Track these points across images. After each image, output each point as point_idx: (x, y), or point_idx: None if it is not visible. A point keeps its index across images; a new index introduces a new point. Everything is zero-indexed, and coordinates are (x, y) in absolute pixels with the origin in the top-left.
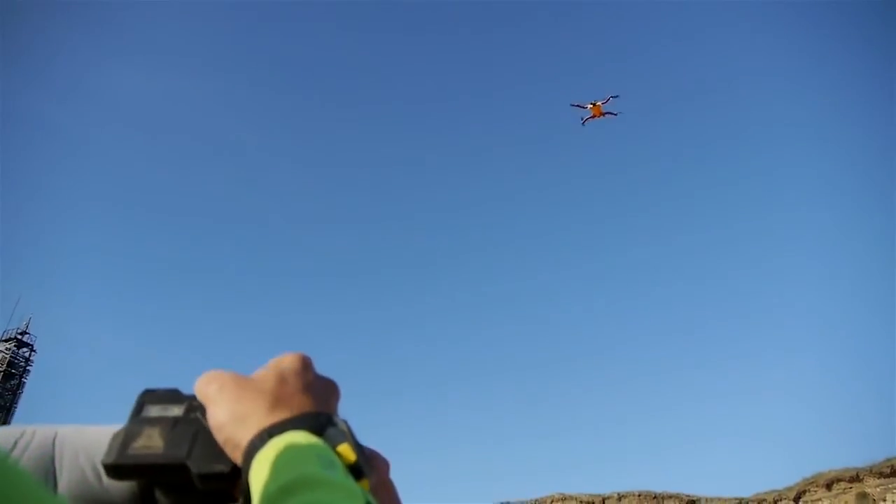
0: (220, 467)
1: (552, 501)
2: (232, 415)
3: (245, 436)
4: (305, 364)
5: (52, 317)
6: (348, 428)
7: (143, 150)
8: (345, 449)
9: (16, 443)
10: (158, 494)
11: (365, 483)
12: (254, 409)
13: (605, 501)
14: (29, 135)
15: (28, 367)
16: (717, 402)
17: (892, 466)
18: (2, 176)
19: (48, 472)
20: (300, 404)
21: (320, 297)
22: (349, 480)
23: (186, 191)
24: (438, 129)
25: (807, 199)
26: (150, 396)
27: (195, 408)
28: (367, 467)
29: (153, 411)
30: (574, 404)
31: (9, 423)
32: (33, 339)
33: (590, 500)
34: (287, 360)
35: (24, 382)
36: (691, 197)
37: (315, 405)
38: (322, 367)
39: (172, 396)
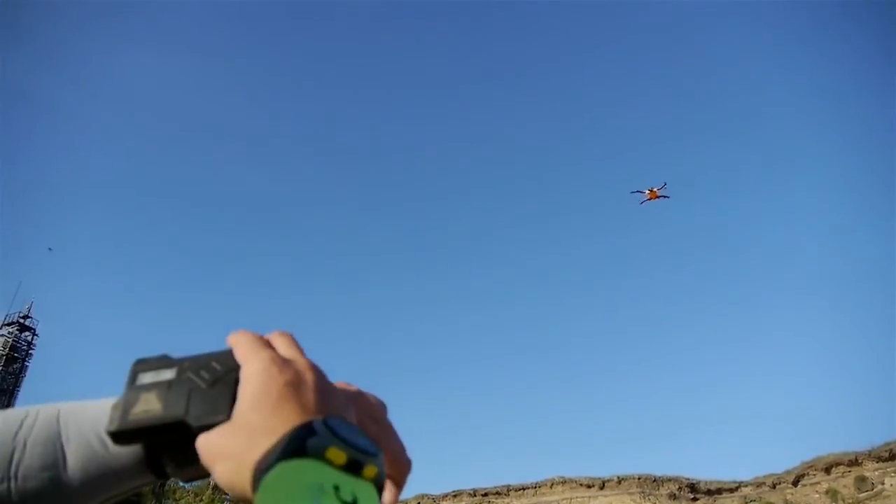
0: (219, 418)
1: (553, 485)
2: (247, 430)
3: (243, 465)
4: (288, 361)
5: (54, 301)
6: (333, 424)
7: (145, 134)
8: (332, 454)
9: (22, 423)
10: (163, 455)
11: (370, 469)
12: (252, 433)
13: (605, 485)
14: (31, 117)
15: (31, 351)
16: (717, 388)
17: (891, 451)
18: (4, 160)
19: (56, 447)
20: (285, 420)
21: (314, 279)
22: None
23: (186, 173)
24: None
25: (811, 188)
26: (141, 365)
27: (186, 369)
28: (368, 451)
29: (147, 378)
30: (575, 389)
31: (12, 406)
32: (35, 322)
33: (590, 483)
34: (269, 361)
35: (27, 366)
36: (696, 186)
37: (299, 414)
38: (321, 356)
39: (163, 362)
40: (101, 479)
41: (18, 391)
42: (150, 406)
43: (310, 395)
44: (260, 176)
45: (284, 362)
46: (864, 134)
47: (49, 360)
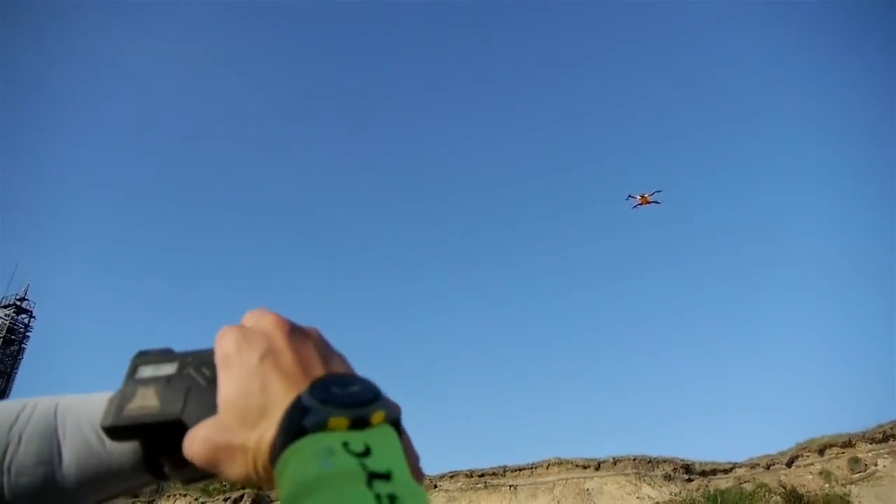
0: None
1: (549, 466)
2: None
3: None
4: (253, 329)
5: (50, 283)
6: (322, 394)
7: (144, 117)
8: (334, 422)
9: (18, 415)
10: (161, 454)
11: (377, 416)
12: (255, 414)
13: (601, 465)
14: (28, 99)
15: (28, 333)
16: (713, 372)
17: (884, 432)
18: (3, 145)
19: (52, 442)
20: (276, 397)
21: (319, 273)
22: (346, 459)
23: (185, 159)
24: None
25: (798, 176)
26: (142, 358)
27: (187, 364)
28: (368, 400)
29: (146, 372)
30: (572, 374)
31: (10, 388)
32: (32, 305)
33: (586, 464)
34: (261, 336)
35: (24, 348)
36: (694, 186)
37: (286, 386)
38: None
39: (164, 356)
40: (98, 476)
41: (16, 373)
42: (146, 402)
43: (287, 361)
44: (267, 169)
45: (249, 333)
46: (864, 134)
47: (47, 343)
